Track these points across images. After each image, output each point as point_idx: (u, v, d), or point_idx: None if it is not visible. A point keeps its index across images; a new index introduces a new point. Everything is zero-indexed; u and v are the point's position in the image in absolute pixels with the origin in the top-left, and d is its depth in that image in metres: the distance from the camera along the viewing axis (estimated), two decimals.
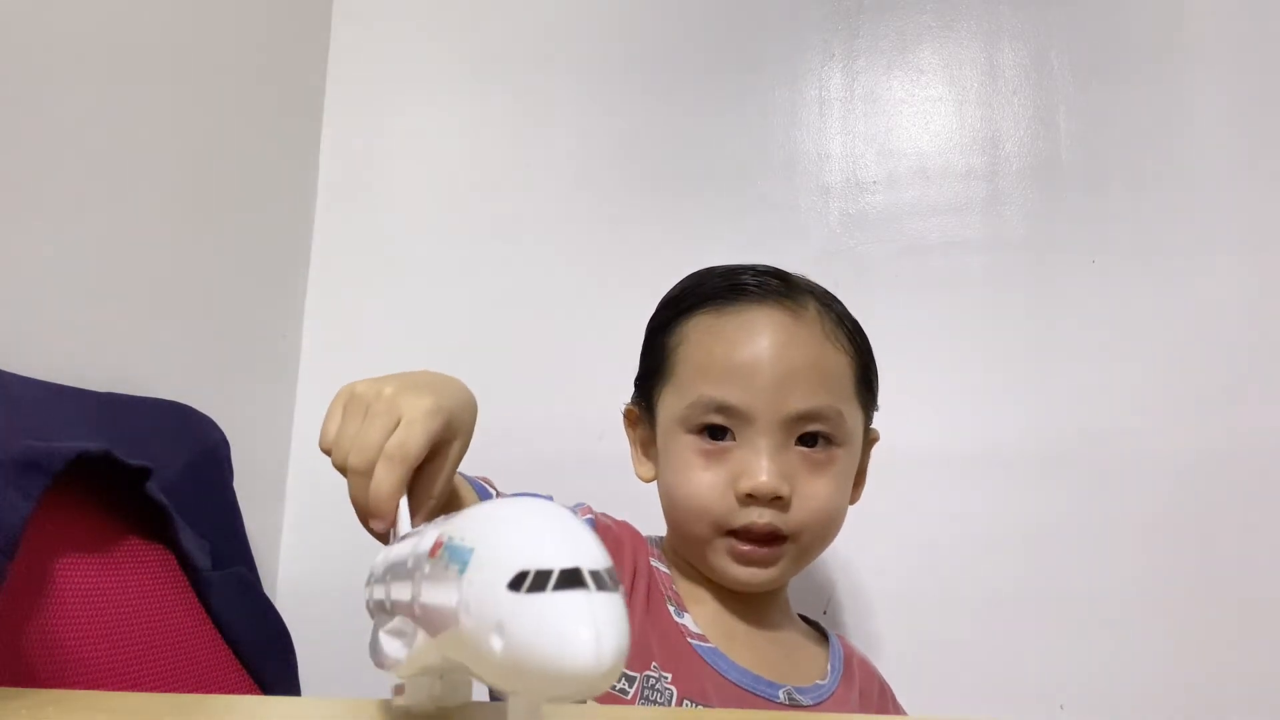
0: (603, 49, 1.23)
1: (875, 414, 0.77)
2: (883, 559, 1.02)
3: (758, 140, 1.17)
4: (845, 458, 0.70)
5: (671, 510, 0.70)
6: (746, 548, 0.66)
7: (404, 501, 0.46)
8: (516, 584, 0.26)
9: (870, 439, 0.76)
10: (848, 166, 1.14)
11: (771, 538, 0.66)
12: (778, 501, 0.65)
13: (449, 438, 0.49)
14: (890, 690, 0.78)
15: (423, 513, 0.47)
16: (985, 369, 1.05)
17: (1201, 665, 0.95)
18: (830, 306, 0.72)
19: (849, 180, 1.14)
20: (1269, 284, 1.02)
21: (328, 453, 0.48)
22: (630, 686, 0.62)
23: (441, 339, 1.18)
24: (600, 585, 0.27)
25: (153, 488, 0.72)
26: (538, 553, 0.27)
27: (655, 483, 0.73)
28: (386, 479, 0.45)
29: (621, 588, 0.27)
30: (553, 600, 0.26)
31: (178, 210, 1.00)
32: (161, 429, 0.86)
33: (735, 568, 0.67)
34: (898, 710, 0.77)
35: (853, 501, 0.74)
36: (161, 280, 0.97)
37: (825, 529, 0.69)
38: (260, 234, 1.16)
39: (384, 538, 0.46)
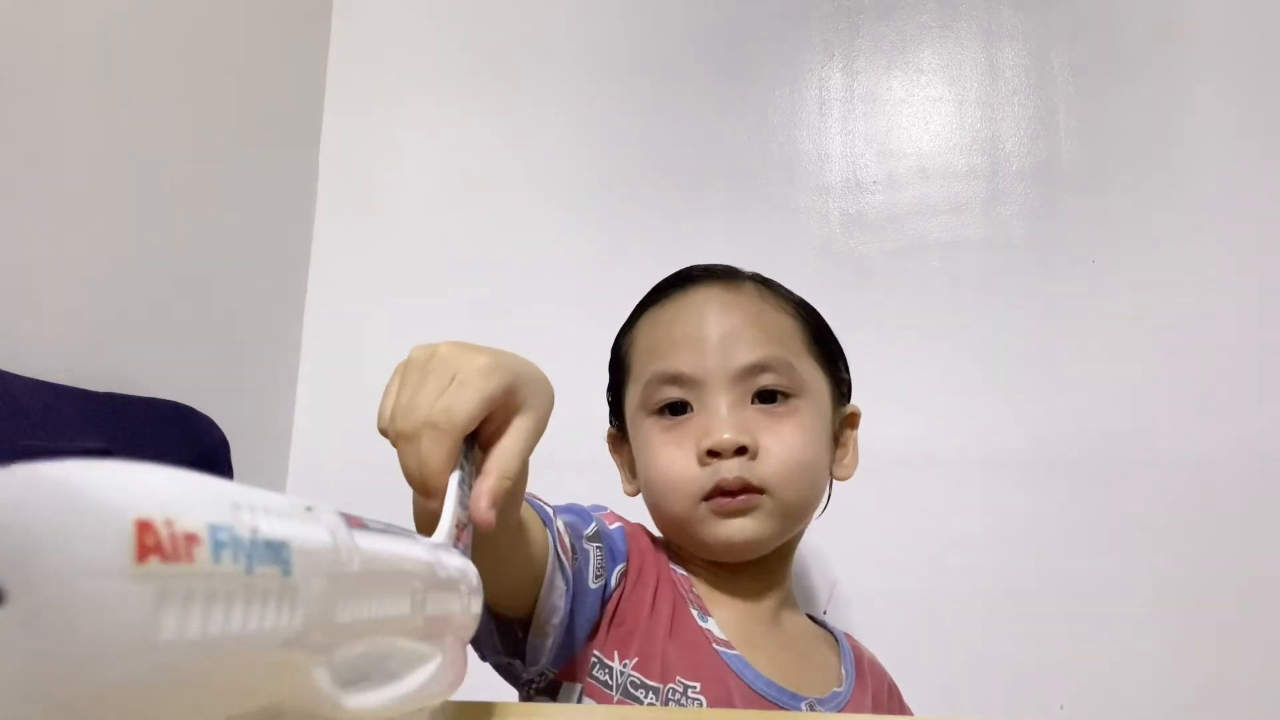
0: (602, 50, 1.23)
1: (848, 385, 0.75)
2: (882, 558, 1.02)
3: (758, 140, 1.17)
4: (809, 410, 0.68)
5: (652, 497, 0.69)
6: (723, 500, 0.64)
7: (455, 479, 0.39)
8: None
9: (850, 414, 0.75)
10: (848, 166, 1.14)
11: (743, 489, 0.64)
12: (743, 453, 0.64)
13: (512, 405, 0.43)
14: (897, 689, 0.77)
15: (493, 494, 0.41)
16: (985, 369, 1.05)
17: (1201, 665, 0.95)
18: (769, 283, 0.73)
19: (849, 180, 1.14)
20: (1269, 284, 1.02)
21: (384, 433, 0.42)
22: (660, 700, 0.60)
23: (441, 338, 1.18)
24: None
25: None
26: None
27: (636, 494, 0.73)
28: (432, 449, 0.39)
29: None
30: None
31: (178, 210, 1.00)
32: (161, 429, 0.86)
33: (719, 526, 0.65)
34: (904, 710, 0.76)
35: (844, 477, 0.74)
36: (161, 280, 0.97)
37: (800, 479, 0.66)
38: (260, 234, 1.16)
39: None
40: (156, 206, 0.97)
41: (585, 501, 0.73)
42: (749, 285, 0.72)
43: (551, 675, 0.60)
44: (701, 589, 0.68)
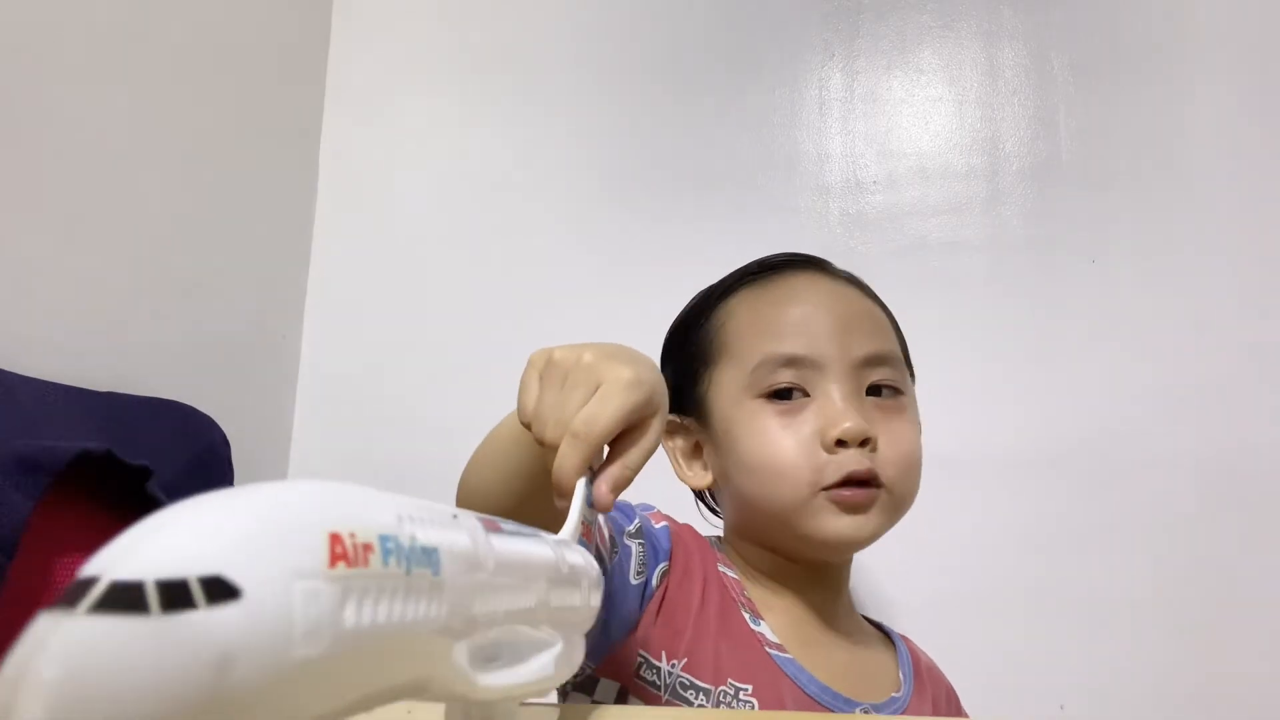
0: (602, 50, 1.23)
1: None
2: (882, 559, 1.02)
3: (758, 140, 1.17)
4: (913, 410, 0.68)
5: (751, 487, 0.64)
6: (848, 492, 0.61)
7: (581, 484, 0.43)
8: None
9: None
10: (848, 166, 1.14)
11: (869, 480, 0.62)
12: (866, 444, 0.62)
13: (649, 413, 0.45)
14: (956, 695, 0.75)
15: (614, 481, 0.45)
16: (985, 369, 1.05)
17: (1201, 665, 0.95)
18: (864, 283, 0.72)
19: (849, 180, 1.14)
20: (1269, 284, 1.02)
21: (528, 426, 0.46)
22: (710, 702, 0.59)
23: (441, 338, 1.18)
24: (114, 606, 0.17)
25: (154, 487, 0.72)
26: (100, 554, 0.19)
27: (708, 486, 0.70)
28: (569, 456, 0.43)
29: (215, 610, 0.18)
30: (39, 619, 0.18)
31: (178, 211, 1.00)
32: (162, 429, 0.86)
33: (835, 520, 0.62)
34: (963, 715, 0.74)
35: None
36: (162, 280, 0.97)
37: (913, 476, 0.66)
38: (260, 234, 1.16)
39: None
40: (156, 206, 0.97)
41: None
42: (843, 276, 0.70)
43: (589, 670, 0.58)
44: (755, 593, 0.66)
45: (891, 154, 1.14)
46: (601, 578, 0.41)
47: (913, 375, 0.73)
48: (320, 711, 0.21)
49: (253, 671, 0.19)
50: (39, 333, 0.81)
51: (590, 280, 1.16)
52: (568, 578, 0.36)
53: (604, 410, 0.43)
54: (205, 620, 0.18)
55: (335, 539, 0.21)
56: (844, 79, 1.17)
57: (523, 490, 0.49)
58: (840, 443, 0.61)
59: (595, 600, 0.40)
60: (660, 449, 0.69)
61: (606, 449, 0.45)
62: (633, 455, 0.45)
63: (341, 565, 0.21)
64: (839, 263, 1.11)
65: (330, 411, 1.20)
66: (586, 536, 0.43)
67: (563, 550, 0.37)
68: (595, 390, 0.43)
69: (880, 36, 1.17)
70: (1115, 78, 1.10)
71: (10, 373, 0.73)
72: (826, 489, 0.61)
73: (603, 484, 0.44)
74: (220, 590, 0.18)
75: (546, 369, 0.46)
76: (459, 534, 0.28)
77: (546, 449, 0.44)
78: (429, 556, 0.25)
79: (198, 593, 0.18)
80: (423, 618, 0.25)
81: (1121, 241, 1.06)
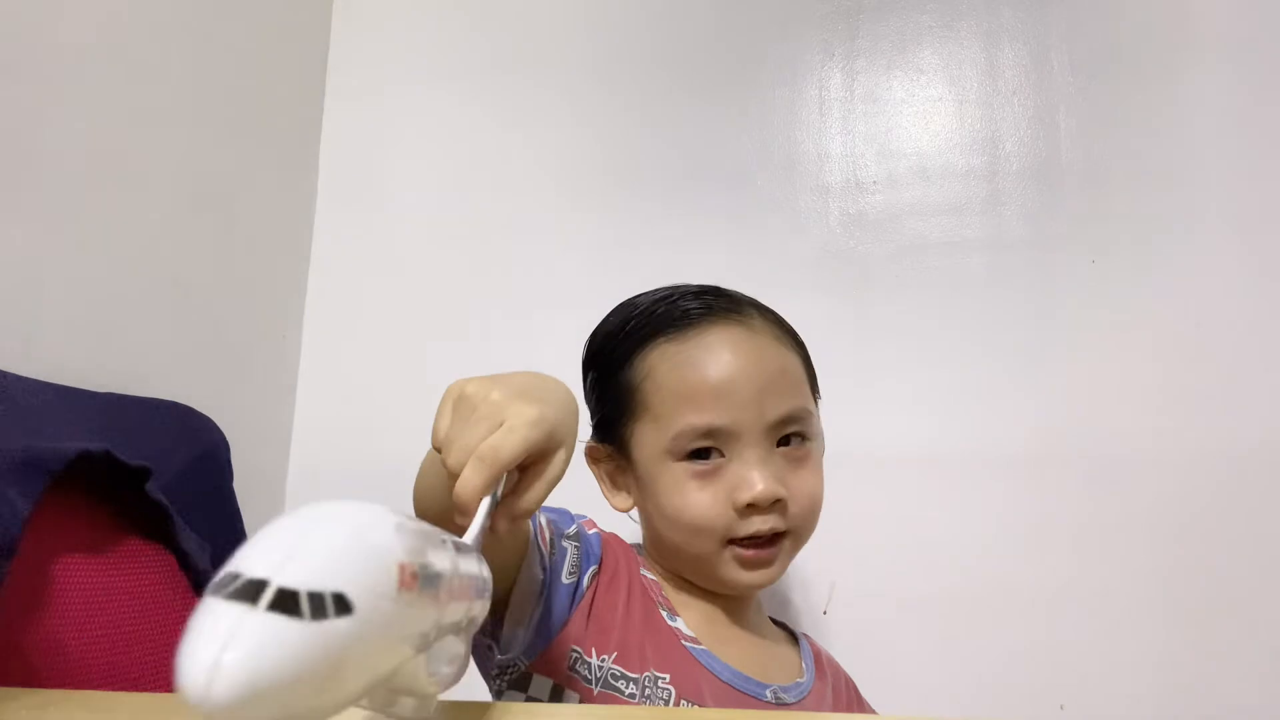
0: (602, 48, 1.23)
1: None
2: (882, 559, 1.02)
3: (758, 140, 1.17)
4: (817, 449, 0.73)
5: (669, 533, 0.71)
6: (751, 553, 0.68)
7: (484, 504, 0.46)
8: (213, 584, 0.25)
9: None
10: (848, 166, 1.14)
11: (774, 539, 0.69)
12: (778, 504, 0.68)
13: (551, 448, 0.49)
14: (854, 684, 0.82)
15: (515, 518, 0.48)
16: (985, 369, 1.05)
17: (1202, 665, 0.95)
18: (768, 312, 0.75)
19: (849, 180, 1.14)
20: (1269, 284, 1.02)
21: (439, 450, 0.49)
22: (638, 689, 0.64)
23: (442, 338, 1.18)
24: (282, 608, 0.24)
25: (153, 488, 0.72)
26: (245, 554, 0.26)
27: (634, 510, 0.75)
28: (472, 478, 0.46)
29: (337, 620, 0.25)
30: (207, 607, 0.24)
31: (178, 210, 1.00)
32: (161, 429, 0.86)
33: (743, 574, 0.69)
34: (863, 702, 0.81)
35: None
36: (162, 280, 0.97)
37: (815, 518, 0.72)
38: (260, 234, 1.16)
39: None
40: (156, 206, 0.97)
41: (574, 496, 0.73)
42: (757, 319, 0.73)
43: (523, 667, 0.63)
44: (670, 593, 0.72)
45: (891, 154, 1.14)
46: (489, 585, 0.43)
47: (819, 395, 0.77)
48: (357, 693, 0.28)
49: (350, 665, 0.26)
50: (39, 333, 0.81)
51: (590, 279, 1.16)
52: (480, 589, 0.41)
53: (507, 441, 0.46)
54: (334, 626, 0.25)
55: (401, 568, 0.28)
56: (844, 79, 1.17)
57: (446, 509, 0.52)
58: (750, 506, 0.67)
59: (486, 609, 0.43)
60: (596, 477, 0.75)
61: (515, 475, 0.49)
62: (536, 489, 0.49)
63: (404, 590, 0.28)
64: (839, 262, 1.12)
65: (330, 411, 1.20)
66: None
67: (476, 562, 0.41)
68: (499, 425, 0.47)
69: (880, 36, 1.17)
70: (1115, 78, 1.10)
71: (10, 373, 0.73)
72: (734, 542, 0.68)
73: (500, 520, 0.48)
74: (343, 605, 0.25)
75: (459, 401, 0.49)
76: (446, 558, 0.34)
77: (451, 474, 0.47)
78: (435, 580, 0.32)
79: (330, 606, 0.25)
80: (425, 628, 0.31)
81: (1121, 241, 1.06)
